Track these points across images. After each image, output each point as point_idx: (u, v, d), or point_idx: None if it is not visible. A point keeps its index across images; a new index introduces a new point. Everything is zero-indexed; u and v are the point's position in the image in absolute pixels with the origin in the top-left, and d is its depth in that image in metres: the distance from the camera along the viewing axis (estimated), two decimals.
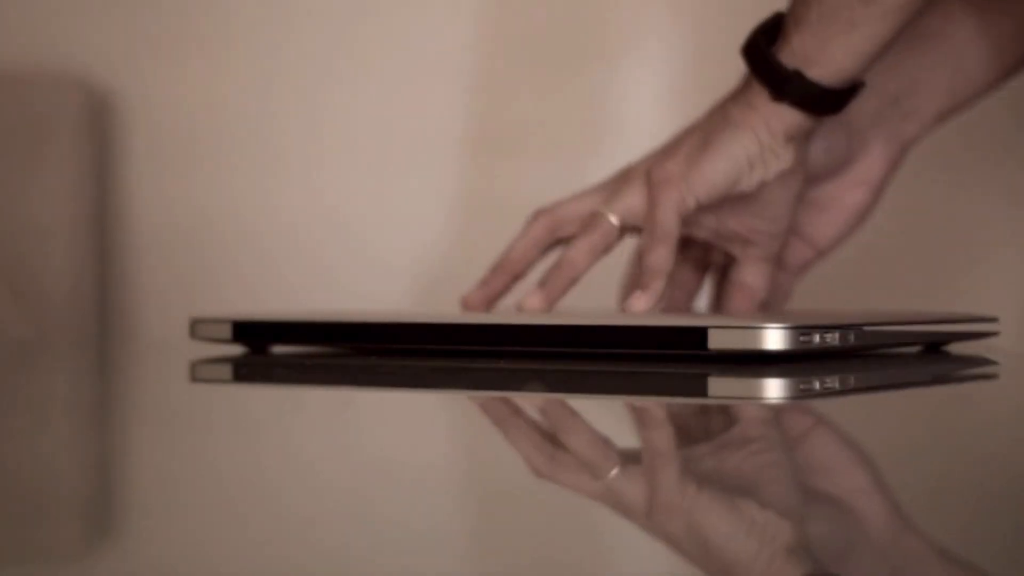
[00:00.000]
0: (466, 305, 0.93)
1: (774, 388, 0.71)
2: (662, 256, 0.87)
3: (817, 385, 0.71)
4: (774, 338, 0.73)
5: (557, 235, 0.93)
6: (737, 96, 0.90)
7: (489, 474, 0.51)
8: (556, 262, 0.91)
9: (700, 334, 0.75)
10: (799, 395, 0.69)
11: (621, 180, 0.92)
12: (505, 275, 0.93)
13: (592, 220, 0.91)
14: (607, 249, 0.91)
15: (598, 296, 0.99)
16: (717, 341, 0.74)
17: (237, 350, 0.90)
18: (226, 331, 0.89)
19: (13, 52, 1.80)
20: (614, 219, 0.90)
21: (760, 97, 0.88)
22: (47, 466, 0.54)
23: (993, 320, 0.89)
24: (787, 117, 0.88)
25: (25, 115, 1.79)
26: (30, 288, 1.78)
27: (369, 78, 1.43)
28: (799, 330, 0.74)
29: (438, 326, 0.83)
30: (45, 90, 1.78)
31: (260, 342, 0.90)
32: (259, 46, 1.46)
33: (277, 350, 0.90)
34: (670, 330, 0.76)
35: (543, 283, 0.90)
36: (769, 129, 0.88)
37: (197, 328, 0.90)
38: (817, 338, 0.74)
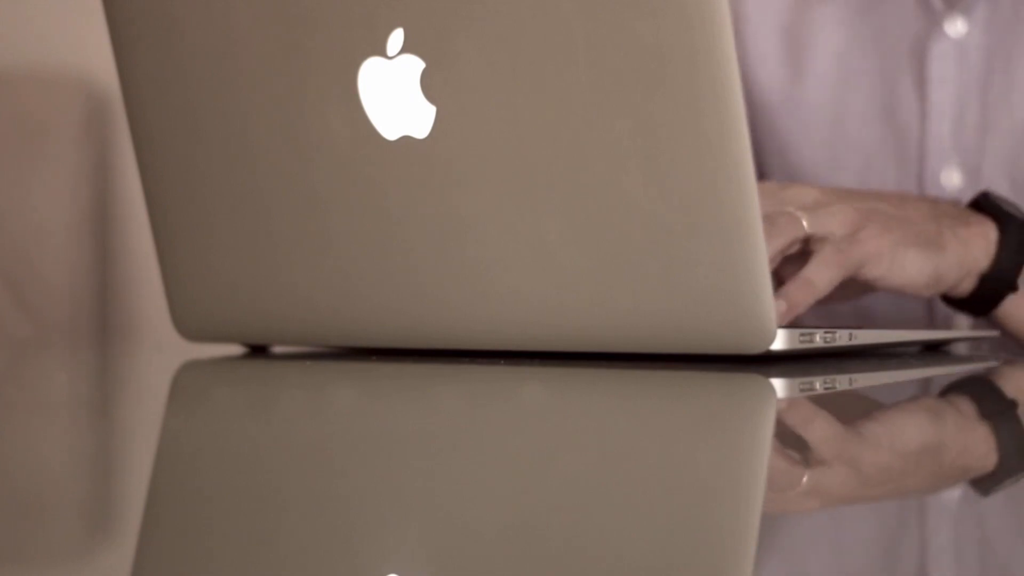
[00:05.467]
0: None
1: (775, 388, 0.71)
2: (822, 283, 0.82)
3: (817, 385, 0.71)
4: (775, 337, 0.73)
5: None
6: (958, 225, 0.89)
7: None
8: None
9: None
10: (800, 395, 0.69)
11: (837, 198, 0.87)
12: None
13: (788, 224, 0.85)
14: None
15: None
16: None
17: (237, 350, 0.90)
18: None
19: (13, 52, 1.81)
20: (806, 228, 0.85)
21: (979, 238, 0.88)
22: (47, 465, 0.54)
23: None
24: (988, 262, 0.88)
25: (25, 115, 1.79)
26: (30, 288, 1.78)
27: None
28: (799, 330, 0.74)
29: None
30: (45, 90, 1.79)
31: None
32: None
33: (278, 350, 0.90)
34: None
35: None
36: (971, 268, 0.88)
37: None
38: (817, 338, 0.74)
